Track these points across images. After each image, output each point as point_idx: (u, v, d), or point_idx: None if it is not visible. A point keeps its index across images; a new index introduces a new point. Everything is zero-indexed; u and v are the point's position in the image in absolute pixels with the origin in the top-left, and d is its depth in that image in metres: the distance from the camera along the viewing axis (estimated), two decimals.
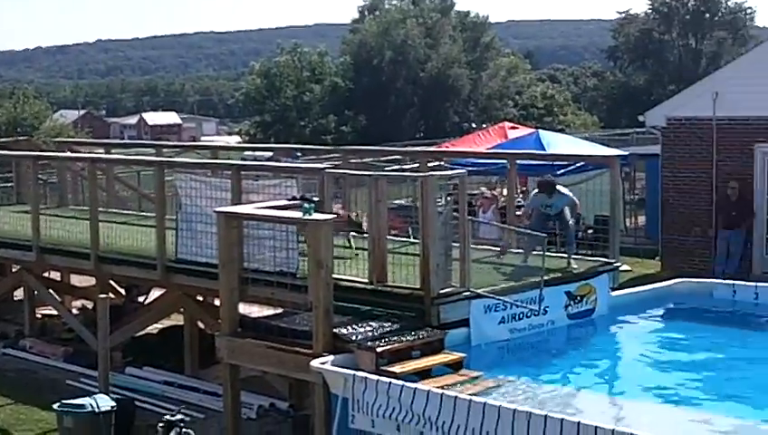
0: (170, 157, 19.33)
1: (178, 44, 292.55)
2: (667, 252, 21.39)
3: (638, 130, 37.69)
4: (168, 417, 11.28)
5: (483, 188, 21.17)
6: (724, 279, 16.54)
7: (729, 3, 72.34)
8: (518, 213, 15.82)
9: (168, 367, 15.09)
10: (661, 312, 14.34)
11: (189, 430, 11.14)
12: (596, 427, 8.53)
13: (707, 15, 71.70)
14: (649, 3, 71.36)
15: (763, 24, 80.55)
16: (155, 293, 16.77)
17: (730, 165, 20.49)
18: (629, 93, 67.54)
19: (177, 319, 16.17)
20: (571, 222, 13.88)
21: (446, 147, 27.25)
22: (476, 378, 10.68)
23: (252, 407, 13.07)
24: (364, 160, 17.62)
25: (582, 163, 18.91)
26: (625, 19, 73.65)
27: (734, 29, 71.81)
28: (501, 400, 9.71)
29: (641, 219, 26.78)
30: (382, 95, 59.44)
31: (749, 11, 72.92)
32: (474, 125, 52.18)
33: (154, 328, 16.48)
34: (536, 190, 14.08)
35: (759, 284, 15.07)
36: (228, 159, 19.45)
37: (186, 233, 13.79)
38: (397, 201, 20.91)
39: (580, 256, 14.07)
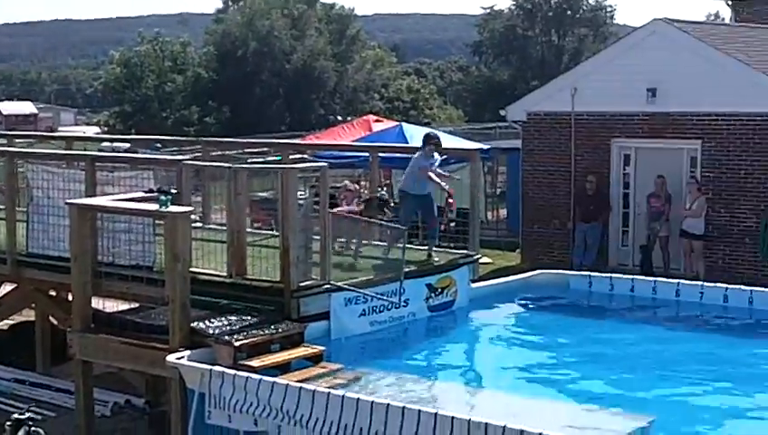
0: (23, 147, 18.69)
1: (36, 32, 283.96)
2: (527, 244, 21.74)
3: (501, 124, 38.21)
4: (16, 415, 10.85)
5: (346, 181, 21.10)
6: (582, 271, 16.89)
7: (590, 0, 74.05)
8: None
9: (18, 364, 14.60)
10: (520, 303, 14.54)
11: (39, 429, 10.74)
12: (452, 417, 8.56)
13: (569, 12, 73.22)
14: None
15: (624, 22, 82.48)
16: (5, 287, 16.19)
17: (588, 159, 20.93)
18: (494, 88, 68.45)
19: (28, 315, 15.67)
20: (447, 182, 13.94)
21: (311, 139, 27.14)
22: (336, 371, 10.62)
23: (106, 404, 12.75)
24: (225, 153, 17.37)
25: (445, 157, 19.00)
26: (489, 14, 74.64)
27: (595, 26, 73.55)
28: (360, 392, 9.67)
29: (503, 212, 27.16)
30: (247, 87, 58.82)
31: (609, 9, 74.87)
32: (339, 118, 52.08)
33: (4, 324, 15.97)
34: (420, 153, 13.80)
35: (614, 275, 15.43)
36: (84, 149, 18.95)
37: (37, 226, 13.34)
38: (260, 194, 20.68)
39: (443, 249, 14.16)
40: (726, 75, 19.12)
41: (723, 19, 52.06)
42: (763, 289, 14.10)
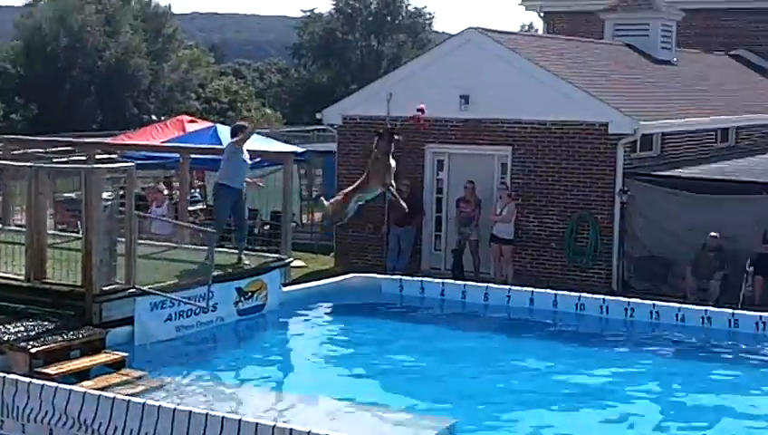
0: None
1: None
2: (342, 248, 21.72)
3: (318, 127, 38.17)
4: None
5: (154, 183, 20.64)
6: (395, 275, 17.01)
7: (410, 7, 74.96)
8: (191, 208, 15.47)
9: None
10: (332, 307, 14.52)
11: None
12: (257, 424, 8.41)
13: (389, 18, 73.89)
14: (333, 3, 72.78)
15: (443, 30, 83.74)
16: None
17: (402, 164, 21.00)
18: (313, 91, 68.35)
19: None
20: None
21: (122, 139, 26.40)
22: (139, 378, 10.34)
23: None
24: (27, 151, 16.64)
25: (259, 159, 18.80)
26: (309, 17, 74.64)
27: (414, 33, 74.43)
28: (164, 400, 9.41)
29: (318, 215, 27.06)
30: (57, 83, 56.81)
31: (428, 16, 75.92)
32: (154, 117, 50.87)
33: None
34: (233, 142, 13.43)
35: (424, 279, 15.61)
36: None
37: None
38: (66, 194, 19.97)
39: (254, 253, 13.98)
40: (537, 85, 19.57)
41: (536, 30, 53.57)
42: (566, 292, 14.51)
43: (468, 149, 20.45)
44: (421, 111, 13.24)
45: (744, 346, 13.05)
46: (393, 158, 13.34)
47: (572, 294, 14.42)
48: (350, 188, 13.21)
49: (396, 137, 13.34)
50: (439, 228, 21.03)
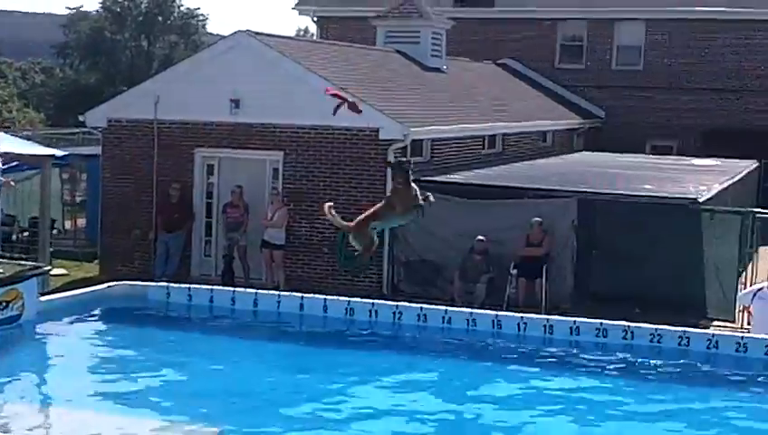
0: None
1: None
2: (107, 255, 21.00)
3: (84, 129, 36.92)
4: None
5: None
6: (163, 281, 16.54)
7: (182, 8, 73.73)
8: None
9: None
10: (94, 316, 13.94)
11: None
12: None
13: (160, 18, 72.48)
14: (101, 1, 70.71)
15: (217, 32, 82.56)
16: None
17: (171, 168, 20.58)
18: (80, 92, 66.19)
19: None
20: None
21: None
22: None
23: None
24: None
25: (16, 163, 17.89)
26: (76, 15, 72.27)
27: (187, 34, 73.29)
28: None
29: (82, 221, 26.11)
30: None
31: (201, 17, 74.89)
32: None
33: None
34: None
35: (192, 285, 15.23)
36: None
37: None
38: None
39: (12, 261, 13.26)
40: (308, 89, 19.49)
41: (312, 35, 53.80)
42: (336, 297, 14.49)
43: (239, 153, 20.24)
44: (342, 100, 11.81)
45: (506, 346, 13.38)
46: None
47: (342, 298, 14.39)
48: (365, 216, 10.81)
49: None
50: (209, 234, 20.70)
